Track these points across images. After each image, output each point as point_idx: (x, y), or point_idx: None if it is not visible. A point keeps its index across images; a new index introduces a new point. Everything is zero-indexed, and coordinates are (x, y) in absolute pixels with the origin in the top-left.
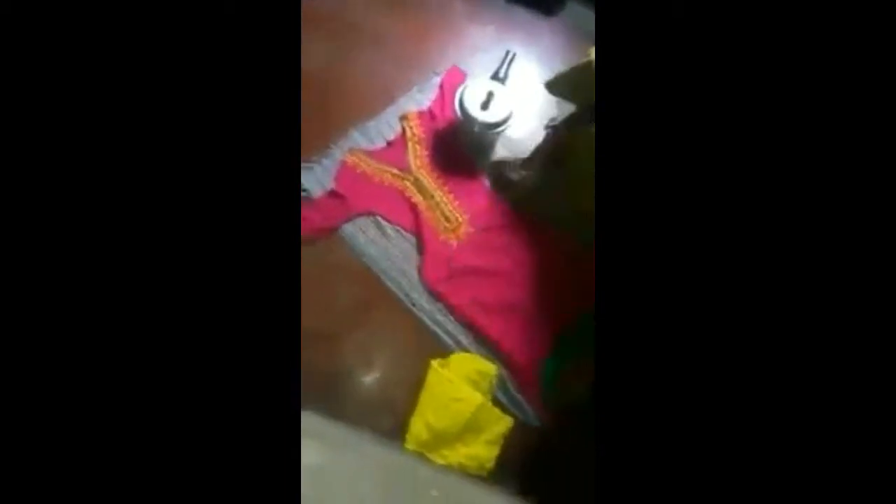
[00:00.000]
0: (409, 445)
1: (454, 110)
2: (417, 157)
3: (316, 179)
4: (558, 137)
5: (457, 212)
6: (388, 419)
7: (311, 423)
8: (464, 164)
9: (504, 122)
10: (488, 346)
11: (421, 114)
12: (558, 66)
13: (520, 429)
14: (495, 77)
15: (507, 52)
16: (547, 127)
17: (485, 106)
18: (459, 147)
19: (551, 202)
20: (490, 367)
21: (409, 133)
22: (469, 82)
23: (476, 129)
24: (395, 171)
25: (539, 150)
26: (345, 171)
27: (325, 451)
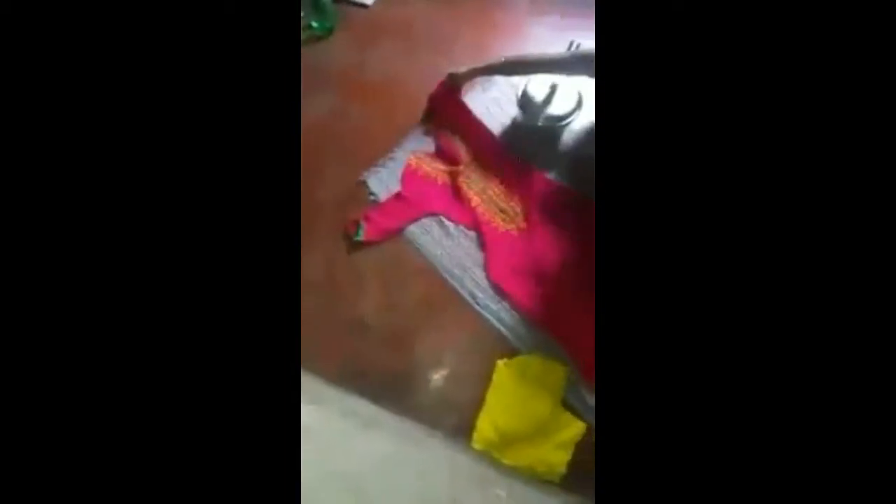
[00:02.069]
0: (477, 445)
1: (516, 104)
2: (466, 154)
3: (382, 182)
4: None
5: (512, 202)
6: (455, 418)
7: (380, 417)
8: (512, 156)
9: (570, 114)
10: (556, 342)
11: (456, 115)
12: None
13: (593, 434)
14: None
15: (571, 43)
16: None
17: (548, 99)
18: (509, 141)
19: None
20: (559, 369)
21: (446, 134)
22: (532, 76)
23: (540, 122)
24: (451, 169)
25: None
26: (409, 172)
27: (392, 441)
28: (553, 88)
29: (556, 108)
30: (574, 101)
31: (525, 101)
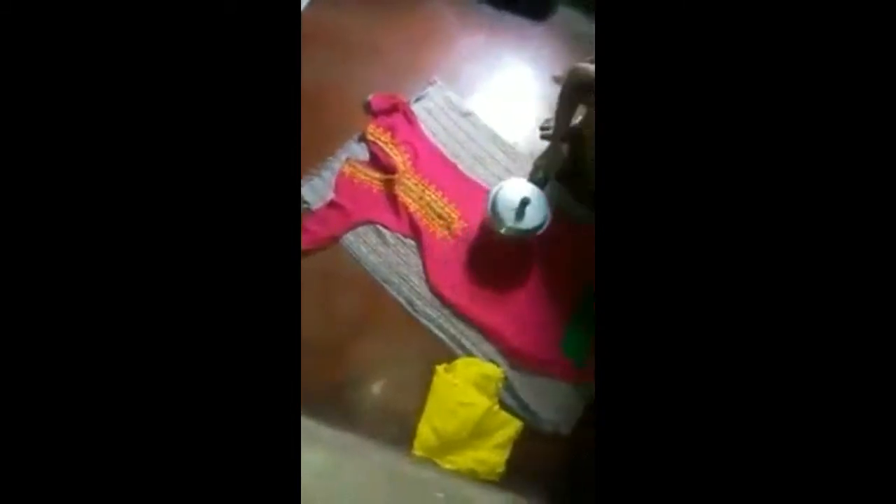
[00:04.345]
0: (418, 451)
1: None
2: (402, 163)
3: (315, 191)
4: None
5: (448, 208)
6: (396, 426)
7: (318, 431)
8: (450, 165)
9: (538, 227)
10: (495, 342)
11: (392, 124)
12: (549, 69)
13: (529, 432)
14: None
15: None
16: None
17: (520, 213)
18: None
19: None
20: (496, 371)
21: (380, 142)
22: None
23: (503, 231)
24: (386, 177)
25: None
26: (343, 181)
27: (330, 453)
28: (525, 202)
29: (526, 223)
30: (543, 215)
31: (496, 211)
